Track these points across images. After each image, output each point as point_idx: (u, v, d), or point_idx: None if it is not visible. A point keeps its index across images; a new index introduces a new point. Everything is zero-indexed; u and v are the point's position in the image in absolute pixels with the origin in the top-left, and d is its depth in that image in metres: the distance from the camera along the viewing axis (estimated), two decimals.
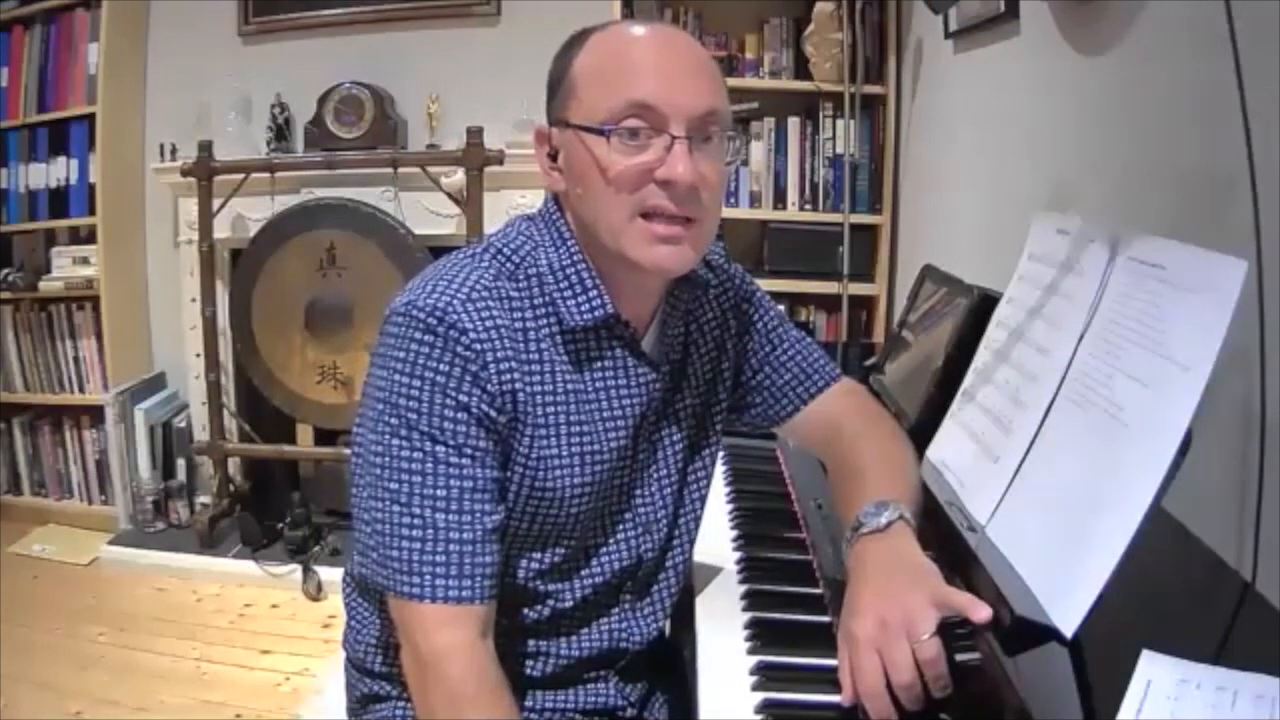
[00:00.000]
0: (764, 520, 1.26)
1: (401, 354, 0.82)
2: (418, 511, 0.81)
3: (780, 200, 2.75)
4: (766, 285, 2.98)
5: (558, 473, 0.88)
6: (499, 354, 0.83)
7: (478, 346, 0.82)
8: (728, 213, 2.76)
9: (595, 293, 0.88)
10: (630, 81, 0.82)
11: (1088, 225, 0.93)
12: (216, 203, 2.76)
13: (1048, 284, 0.95)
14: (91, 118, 2.92)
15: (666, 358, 0.97)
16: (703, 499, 1.05)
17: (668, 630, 1.09)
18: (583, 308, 0.87)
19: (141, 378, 3.11)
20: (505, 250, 0.89)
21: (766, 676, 0.90)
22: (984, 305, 1.10)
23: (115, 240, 3.02)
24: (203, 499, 3.07)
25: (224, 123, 2.87)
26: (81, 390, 3.12)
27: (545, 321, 0.87)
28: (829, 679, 0.89)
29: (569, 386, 0.88)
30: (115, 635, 2.48)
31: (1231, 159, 0.91)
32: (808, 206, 2.74)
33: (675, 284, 0.95)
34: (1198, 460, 0.72)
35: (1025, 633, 0.73)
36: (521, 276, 0.88)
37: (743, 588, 1.07)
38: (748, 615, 1.01)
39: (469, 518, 0.82)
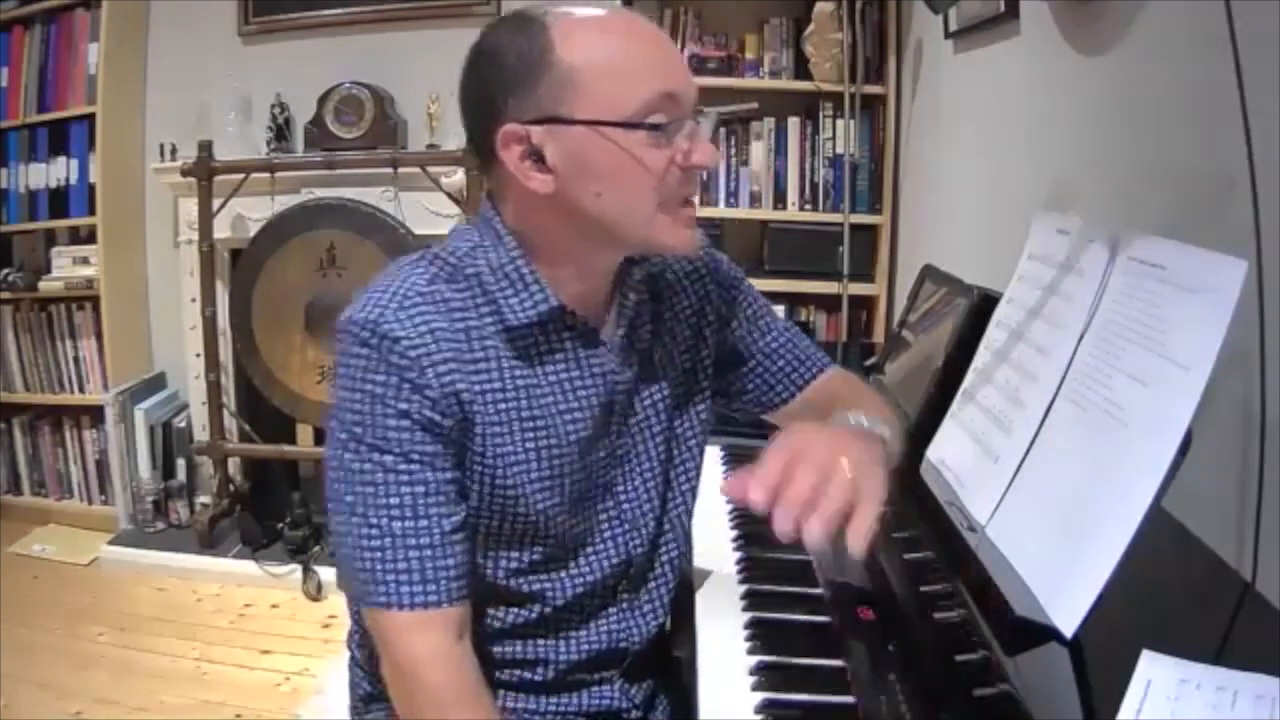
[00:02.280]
0: (764, 520, 1.25)
1: (345, 369, 0.83)
2: (374, 521, 0.82)
3: (780, 200, 2.75)
4: (766, 285, 2.98)
5: (515, 469, 0.87)
6: (436, 357, 0.82)
7: (413, 353, 0.82)
8: (728, 213, 2.76)
9: (537, 287, 0.87)
10: (652, 72, 0.81)
11: (1088, 225, 0.93)
12: (216, 203, 2.76)
13: (1048, 284, 0.95)
14: (91, 118, 2.91)
15: (631, 346, 0.95)
16: (692, 491, 1.04)
17: (668, 626, 1.09)
18: (525, 304, 0.87)
19: (141, 378, 3.10)
20: (443, 254, 0.88)
21: (766, 676, 0.90)
22: (984, 305, 1.10)
23: (115, 240, 3.01)
24: (203, 499, 3.07)
25: (224, 123, 2.86)
26: (81, 390, 3.11)
27: (490, 320, 0.87)
28: (829, 679, 0.89)
29: (519, 382, 0.87)
30: (115, 635, 2.48)
31: (1231, 159, 0.91)
32: (808, 206, 2.74)
33: (624, 269, 0.94)
34: (1198, 460, 0.72)
35: (1025, 633, 0.73)
36: (461, 278, 0.87)
37: (743, 588, 1.08)
38: (748, 615, 1.02)
39: (425, 522, 0.83)
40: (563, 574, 0.94)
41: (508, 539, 0.90)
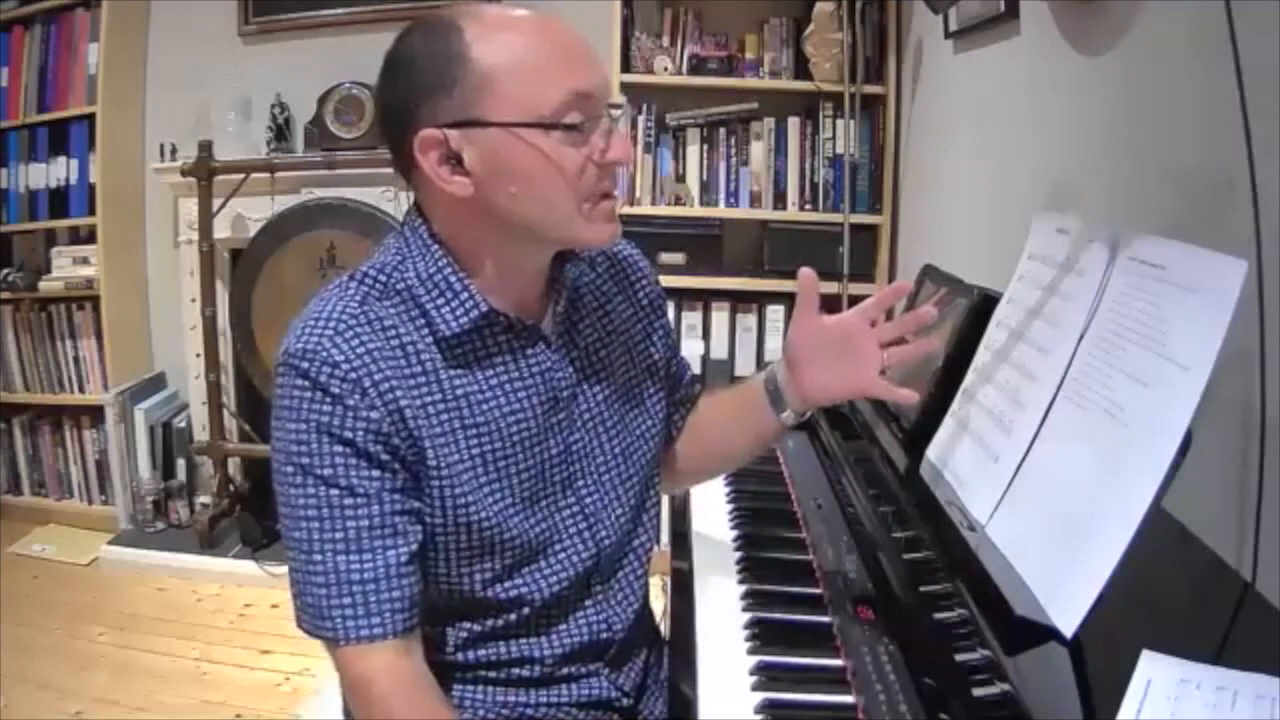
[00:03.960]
0: (764, 520, 1.26)
1: (286, 402, 0.83)
2: (319, 557, 0.83)
3: (780, 200, 2.75)
4: (766, 285, 2.98)
5: (465, 477, 0.88)
6: (376, 377, 0.83)
7: (353, 376, 0.82)
8: (728, 213, 2.76)
9: (466, 295, 0.87)
10: (566, 72, 0.82)
11: (1088, 225, 0.93)
12: (216, 203, 2.76)
13: (1048, 284, 0.95)
14: (91, 118, 2.92)
15: (572, 342, 0.96)
16: (654, 481, 1.05)
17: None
18: (456, 312, 0.87)
19: (141, 378, 3.11)
20: (371, 272, 0.88)
21: (766, 676, 0.90)
22: (984, 305, 1.10)
23: (115, 240, 3.01)
24: (203, 499, 3.07)
25: (224, 123, 2.87)
26: (81, 390, 3.11)
27: (425, 332, 0.87)
28: (829, 679, 0.89)
29: (458, 391, 0.88)
30: (115, 635, 2.48)
31: (1231, 159, 0.91)
32: (808, 206, 2.74)
33: (556, 266, 0.94)
34: (1198, 460, 0.72)
35: (1025, 633, 0.73)
36: (392, 293, 0.87)
37: (743, 588, 1.08)
38: (748, 615, 1.02)
39: (369, 556, 0.83)
40: (536, 575, 0.94)
41: (476, 551, 0.90)
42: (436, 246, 0.88)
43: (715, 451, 1.15)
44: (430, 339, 0.87)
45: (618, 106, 0.87)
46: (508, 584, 0.92)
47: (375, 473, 0.83)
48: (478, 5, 0.85)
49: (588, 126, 0.83)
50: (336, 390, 0.81)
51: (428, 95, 0.82)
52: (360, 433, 0.82)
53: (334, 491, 0.82)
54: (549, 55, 0.82)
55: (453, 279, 0.87)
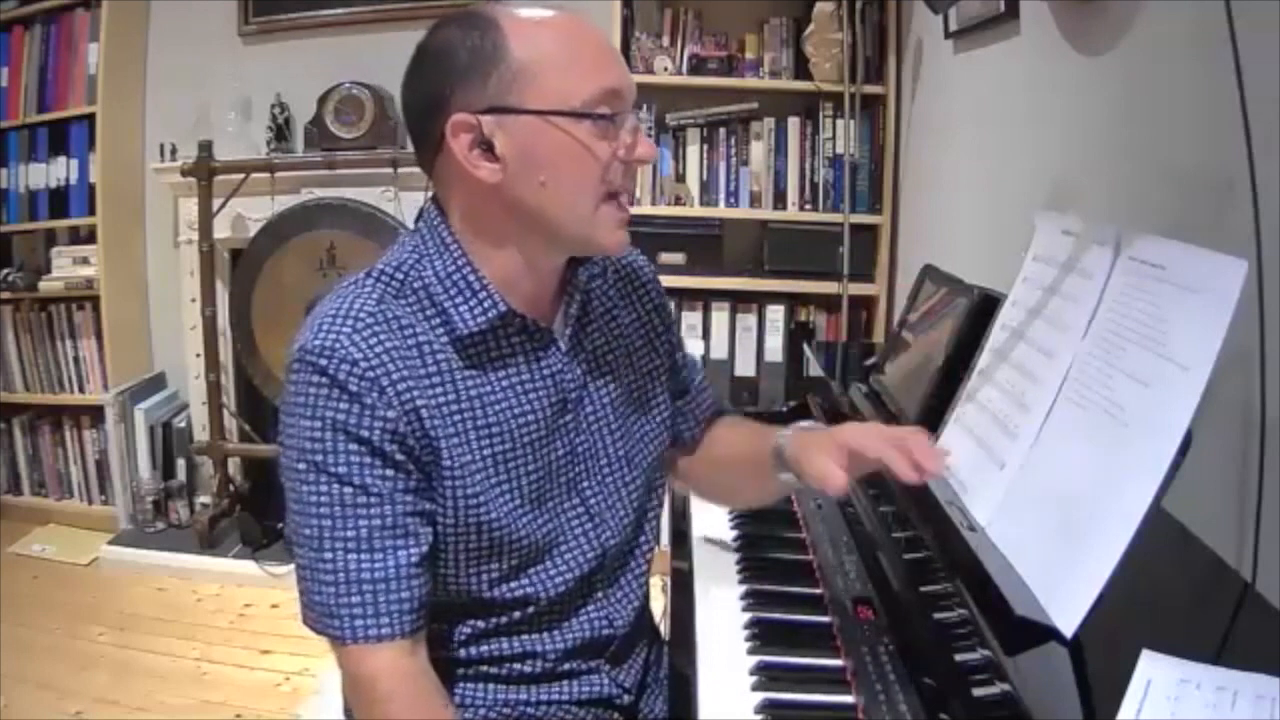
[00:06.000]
0: (764, 520, 1.26)
1: (301, 399, 0.82)
2: (329, 555, 0.82)
3: (780, 200, 2.75)
4: (766, 285, 2.98)
5: (478, 477, 0.88)
6: (394, 376, 0.83)
7: (371, 374, 0.82)
8: (728, 213, 2.76)
9: (484, 294, 0.88)
10: (599, 68, 0.84)
11: (1092, 226, 0.93)
12: (216, 203, 2.76)
13: (1051, 285, 0.95)
14: (91, 118, 2.92)
15: (580, 345, 0.97)
16: (657, 485, 1.06)
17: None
18: (475, 311, 0.87)
19: (141, 378, 3.11)
20: (389, 270, 0.88)
21: (766, 676, 0.90)
22: (984, 305, 1.10)
23: (115, 240, 3.01)
24: (203, 499, 3.07)
25: (224, 123, 2.87)
26: (81, 390, 3.11)
27: (441, 332, 0.87)
28: (829, 679, 0.89)
29: (471, 392, 0.88)
30: (115, 635, 2.48)
31: (1231, 159, 0.91)
32: (808, 206, 2.74)
33: (570, 270, 0.95)
34: (1198, 460, 0.72)
35: (1025, 633, 0.73)
36: (409, 292, 0.88)
37: (743, 588, 1.08)
38: (748, 615, 1.02)
39: (380, 556, 0.83)
40: (542, 575, 0.94)
41: (485, 552, 0.91)
42: (455, 245, 0.89)
43: (724, 488, 1.17)
44: (446, 339, 0.87)
45: (639, 113, 0.89)
46: (513, 584, 0.93)
47: (389, 472, 0.83)
48: (506, 4, 0.87)
49: (618, 120, 0.85)
50: (354, 388, 0.81)
51: (462, 81, 0.83)
52: (376, 432, 0.82)
53: (347, 490, 0.82)
54: (582, 52, 0.85)
55: (471, 278, 0.88)
